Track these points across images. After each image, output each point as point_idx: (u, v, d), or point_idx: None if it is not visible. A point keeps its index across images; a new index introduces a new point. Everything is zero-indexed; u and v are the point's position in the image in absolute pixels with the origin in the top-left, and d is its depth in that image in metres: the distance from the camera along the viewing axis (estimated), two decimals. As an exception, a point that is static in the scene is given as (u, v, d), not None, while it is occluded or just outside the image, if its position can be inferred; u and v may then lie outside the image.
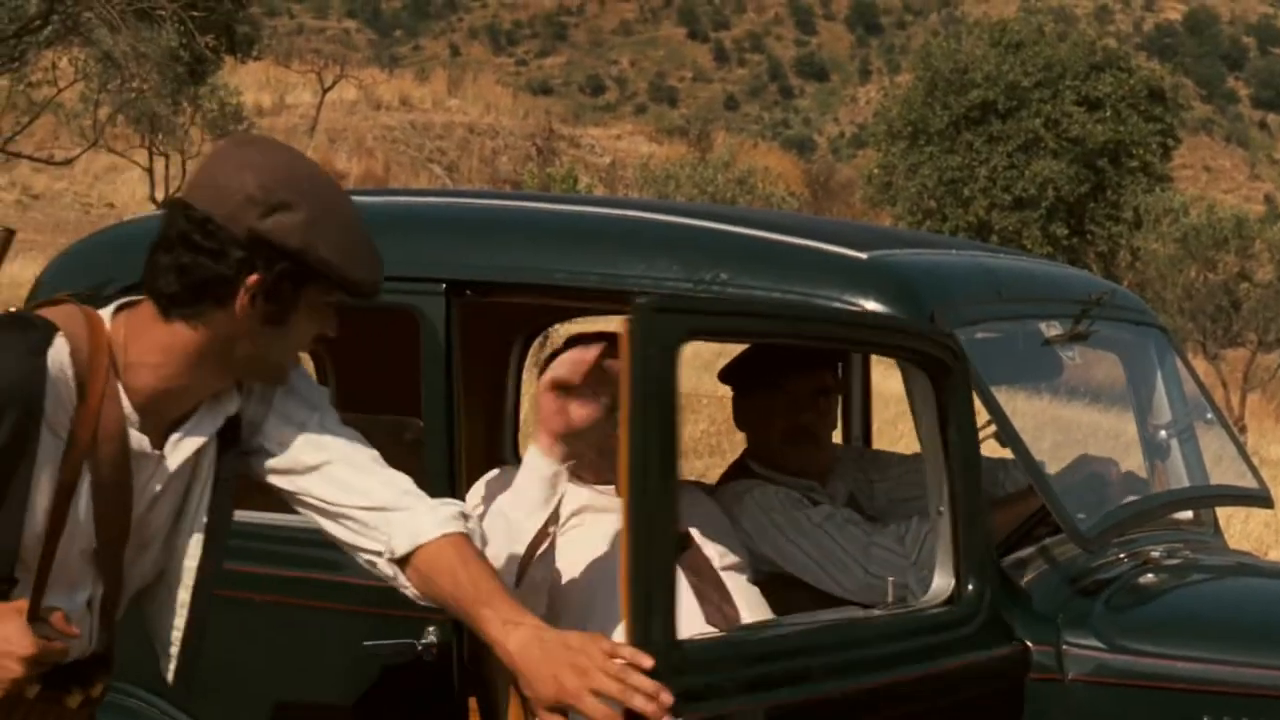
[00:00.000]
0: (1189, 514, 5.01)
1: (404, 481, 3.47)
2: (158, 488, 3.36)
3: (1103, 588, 4.13)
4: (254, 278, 3.22)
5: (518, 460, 5.51)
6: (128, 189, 34.98)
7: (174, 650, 3.47)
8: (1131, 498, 4.62)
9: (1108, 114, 39.03)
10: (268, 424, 3.48)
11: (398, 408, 4.51)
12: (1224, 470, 5.14)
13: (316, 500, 3.46)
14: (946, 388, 3.83)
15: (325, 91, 41.37)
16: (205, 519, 3.43)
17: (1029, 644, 3.92)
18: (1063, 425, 4.82)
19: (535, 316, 5.60)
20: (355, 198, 3.52)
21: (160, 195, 29.66)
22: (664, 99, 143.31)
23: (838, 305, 3.97)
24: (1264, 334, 29.56)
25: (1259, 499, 5.13)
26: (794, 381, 4.58)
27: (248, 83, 41.41)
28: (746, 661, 3.46)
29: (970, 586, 3.85)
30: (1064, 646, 3.92)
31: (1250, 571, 4.77)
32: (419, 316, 4.16)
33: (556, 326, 5.22)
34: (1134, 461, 4.94)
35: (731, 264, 4.04)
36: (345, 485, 3.45)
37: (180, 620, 3.46)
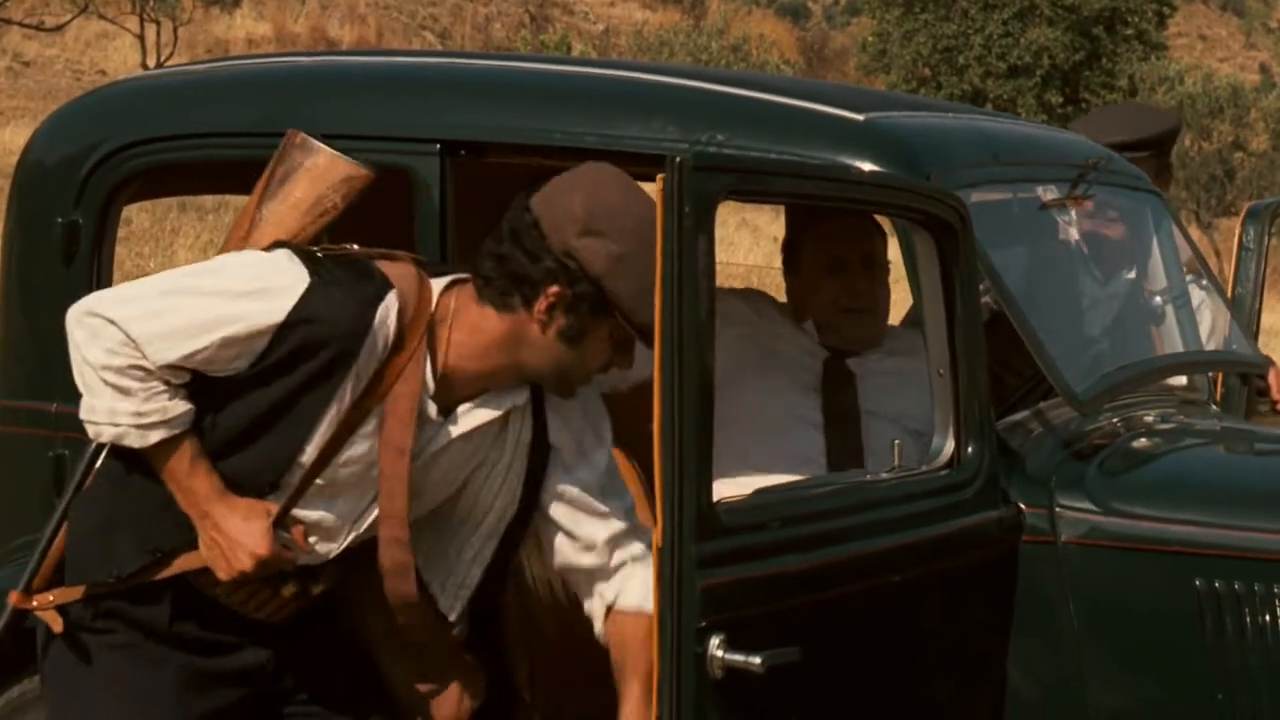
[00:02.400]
0: (1183, 380, 5.01)
1: (624, 534, 3.64)
2: (434, 450, 3.51)
3: (1096, 451, 4.14)
4: (556, 289, 3.39)
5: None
6: (119, 56, 34.74)
7: (462, 592, 3.64)
8: (1126, 362, 4.62)
9: (1103, -19, 38.75)
10: (552, 425, 3.65)
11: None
12: (1218, 337, 5.15)
13: (553, 518, 3.65)
14: (952, 249, 3.81)
15: (316, -44, 41.03)
16: (518, 488, 3.61)
17: (1023, 507, 3.94)
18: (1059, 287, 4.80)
19: (530, 182, 5.58)
20: (347, 57, 3.52)
21: (151, 62, 29.48)
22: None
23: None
24: (1256, 201, 29.47)
25: (1254, 365, 5.13)
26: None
27: (238, -53, 41.04)
28: (777, 524, 3.47)
29: (970, 449, 3.86)
30: (1057, 509, 3.94)
31: (1242, 436, 4.79)
32: (412, 177, 4.13)
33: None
34: (1130, 326, 4.94)
35: (728, 125, 4.03)
36: (580, 521, 3.64)
37: (475, 569, 3.64)
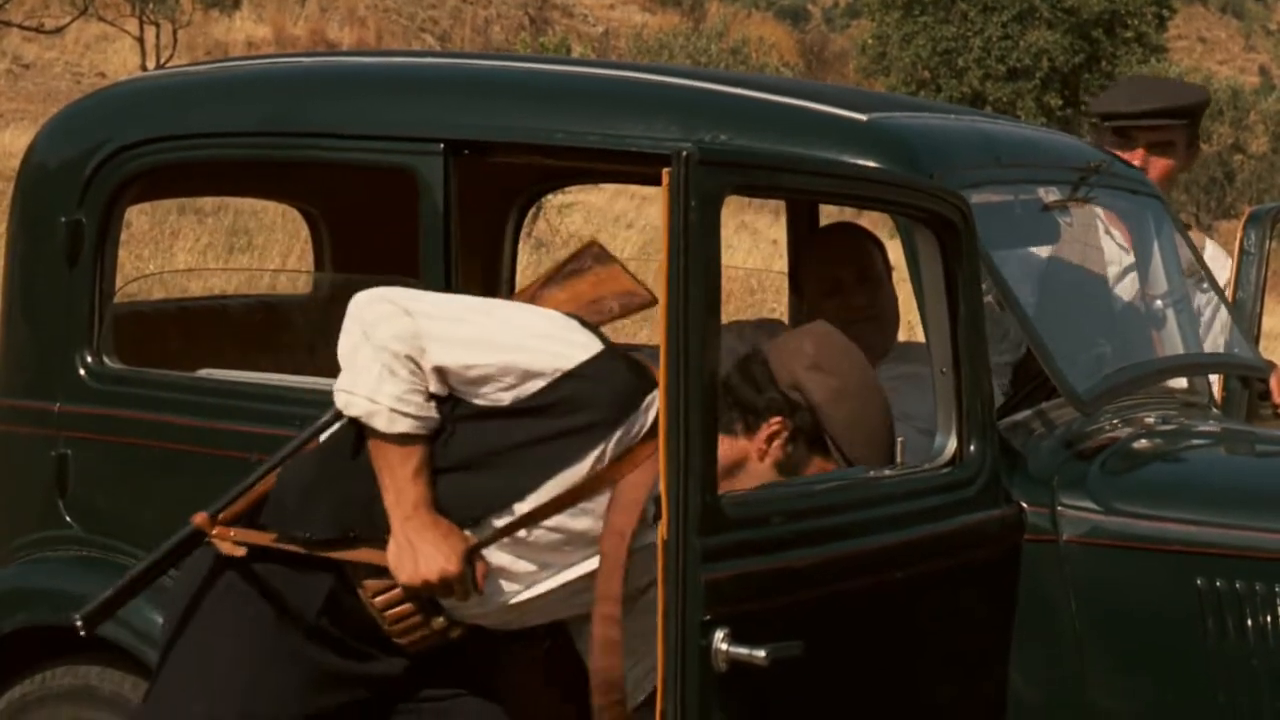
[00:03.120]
0: (1184, 383, 5.02)
1: None
2: (640, 547, 3.53)
3: (1098, 451, 4.14)
4: (779, 419, 3.57)
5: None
6: (119, 58, 34.71)
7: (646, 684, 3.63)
8: (1128, 363, 4.63)
9: (1103, -16, 38.75)
10: None
11: (395, 268, 4.51)
12: (1219, 340, 5.16)
13: None
14: (954, 248, 3.82)
15: (317, -41, 41.03)
16: None
17: (1025, 506, 3.94)
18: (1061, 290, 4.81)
19: (532, 181, 5.60)
20: (350, 58, 3.53)
21: (151, 64, 29.46)
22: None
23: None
24: (1258, 205, 29.50)
25: (1254, 368, 5.14)
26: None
27: (238, -50, 41.02)
28: (781, 519, 3.48)
29: (972, 448, 3.86)
30: (1059, 508, 3.94)
31: (1243, 438, 4.80)
32: (417, 177, 4.14)
33: (550, 197, 5.18)
34: (1131, 329, 4.95)
35: (731, 125, 4.03)
36: None
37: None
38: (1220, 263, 5.72)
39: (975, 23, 38.66)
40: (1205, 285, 5.20)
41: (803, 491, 3.59)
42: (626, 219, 21.27)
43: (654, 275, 3.37)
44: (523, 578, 3.60)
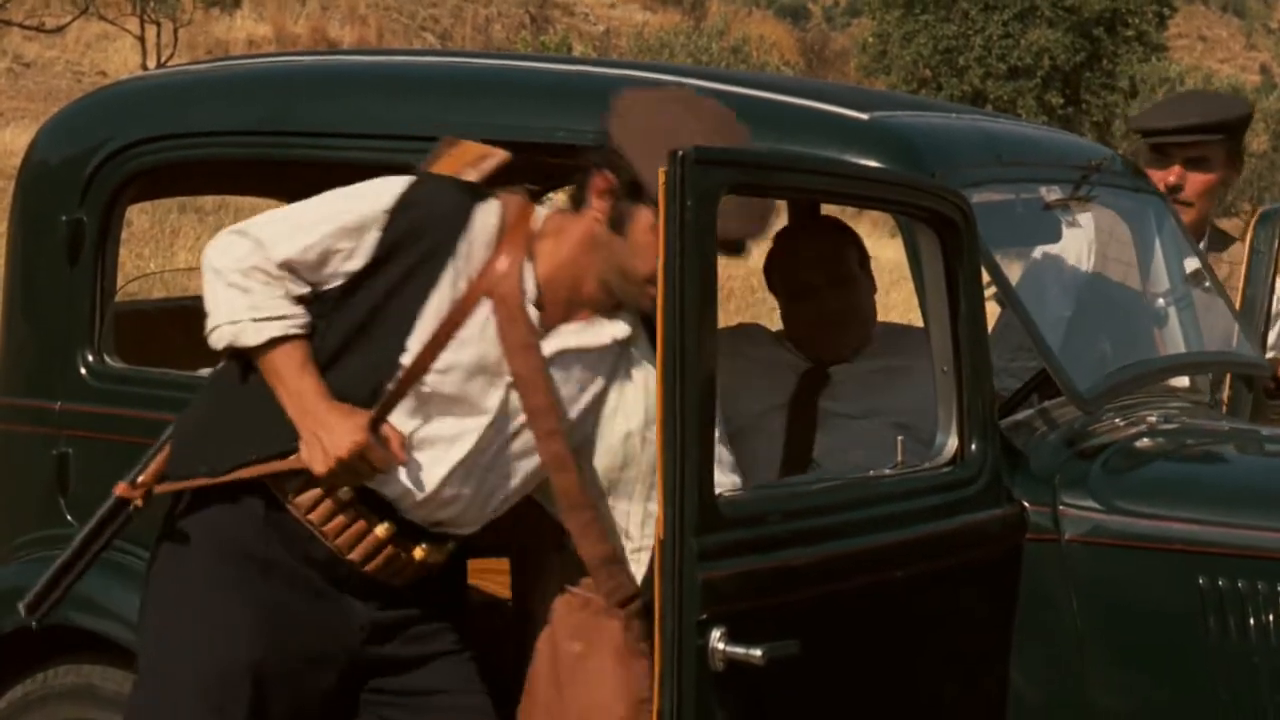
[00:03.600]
0: (1186, 382, 5.02)
1: None
2: (551, 368, 3.57)
3: (1100, 450, 4.14)
4: (601, 176, 3.52)
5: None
6: (120, 57, 34.72)
7: (640, 555, 3.65)
8: (1130, 362, 4.63)
9: (1104, -18, 38.75)
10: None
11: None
12: (1222, 338, 5.15)
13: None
14: (955, 246, 3.82)
15: (316, -42, 41.02)
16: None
17: (1026, 505, 3.94)
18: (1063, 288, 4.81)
19: (532, 180, 5.58)
20: (349, 56, 3.54)
21: (152, 63, 29.47)
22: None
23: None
24: (1259, 203, 29.54)
25: (1257, 366, 5.13)
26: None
27: (239, -52, 41.01)
28: (778, 518, 3.48)
29: (974, 447, 3.86)
30: (1061, 508, 3.94)
31: (1246, 437, 4.79)
32: (416, 175, 4.13)
33: (551, 195, 5.18)
34: (1133, 326, 4.95)
35: (732, 123, 4.02)
36: None
37: (640, 529, 3.66)
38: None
39: (976, 21, 38.66)
40: (1208, 282, 5.20)
41: (801, 490, 3.58)
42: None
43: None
44: (448, 440, 3.59)
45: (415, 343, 3.53)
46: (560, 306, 3.61)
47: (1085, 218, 4.80)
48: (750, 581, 3.33)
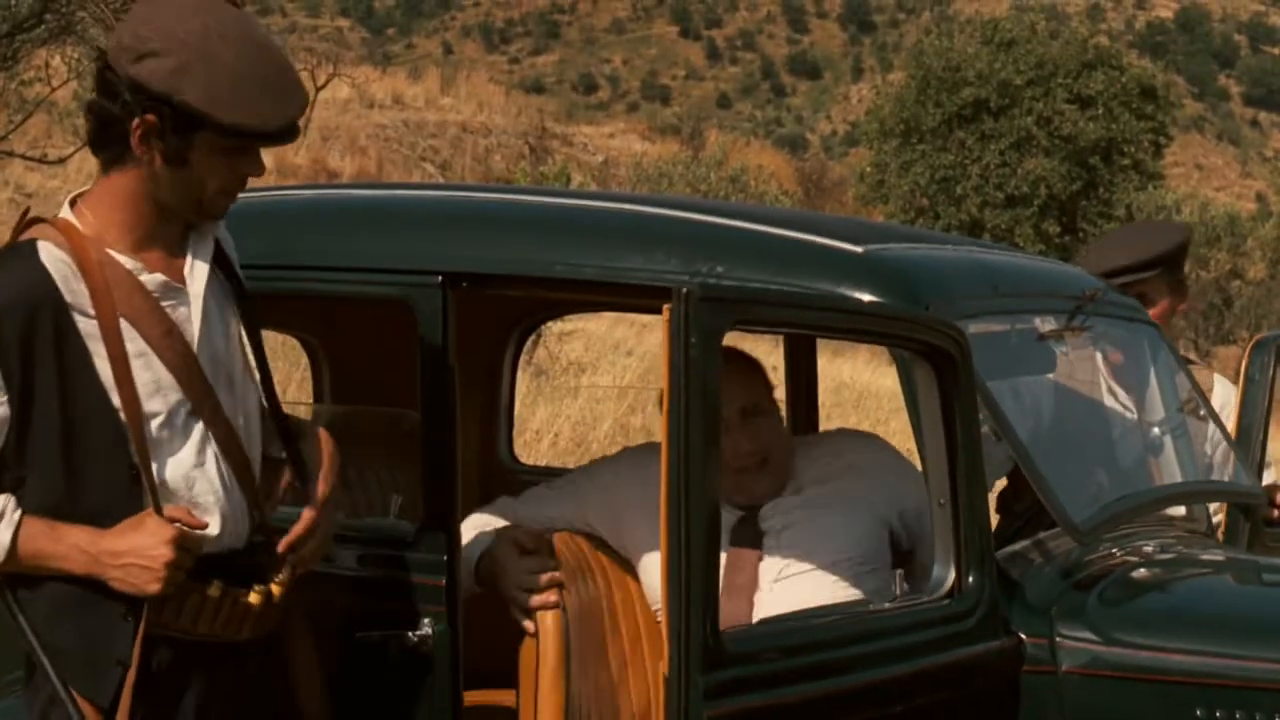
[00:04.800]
0: (1182, 511, 5.02)
1: None
2: (198, 318, 3.51)
3: (1096, 581, 4.14)
4: (139, 119, 3.39)
5: (510, 456, 5.52)
6: (120, 187, 34.86)
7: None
8: (1126, 493, 4.63)
9: (1100, 112, 38.97)
10: None
11: (394, 400, 4.51)
12: (1217, 468, 5.16)
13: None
14: (952, 379, 3.83)
15: (318, 90, 41.18)
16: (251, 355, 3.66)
17: (1024, 636, 3.93)
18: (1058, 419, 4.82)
19: (531, 311, 5.60)
20: (349, 190, 3.55)
21: (153, 193, 29.51)
22: (656, 97, 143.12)
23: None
24: (1256, 331, 29.60)
25: (1252, 496, 5.14)
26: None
27: (241, 81, 41.20)
28: (779, 654, 3.48)
29: (971, 579, 3.86)
30: (1058, 639, 3.94)
31: (1242, 566, 4.78)
32: (415, 308, 4.15)
33: (550, 325, 5.20)
34: (1128, 457, 4.96)
35: (729, 257, 4.04)
36: None
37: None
38: (1229, 398, 5.74)
39: (973, 150, 38.92)
40: (1203, 412, 5.21)
41: (802, 626, 3.58)
42: (626, 346, 21.29)
43: (654, 404, 3.38)
44: (212, 477, 3.49)
45: (108, 418, 3.38)
46: (158, 254, 3.51)
47: (1088, 348, 4.82)
48: (755, 718, 3.33)
